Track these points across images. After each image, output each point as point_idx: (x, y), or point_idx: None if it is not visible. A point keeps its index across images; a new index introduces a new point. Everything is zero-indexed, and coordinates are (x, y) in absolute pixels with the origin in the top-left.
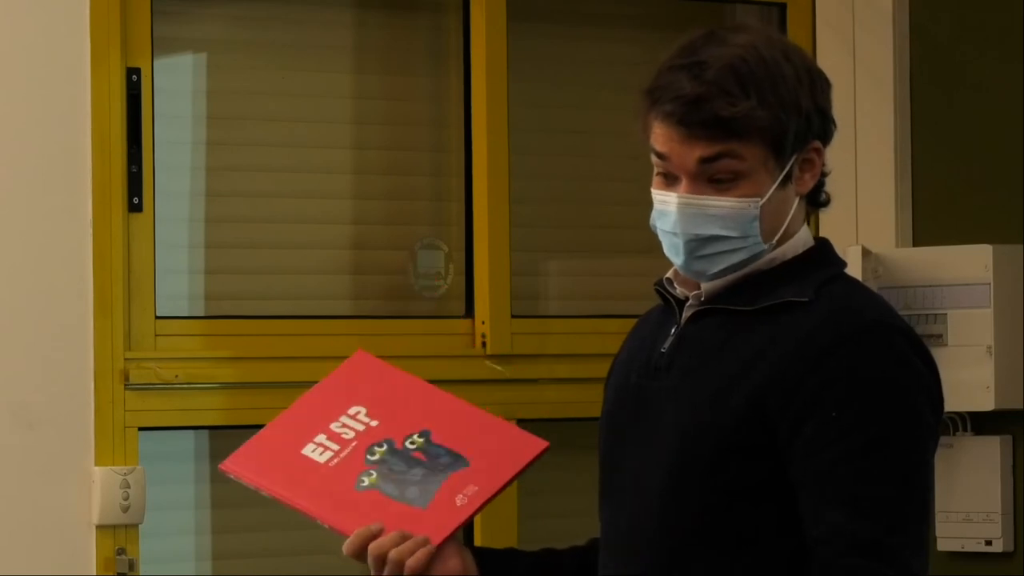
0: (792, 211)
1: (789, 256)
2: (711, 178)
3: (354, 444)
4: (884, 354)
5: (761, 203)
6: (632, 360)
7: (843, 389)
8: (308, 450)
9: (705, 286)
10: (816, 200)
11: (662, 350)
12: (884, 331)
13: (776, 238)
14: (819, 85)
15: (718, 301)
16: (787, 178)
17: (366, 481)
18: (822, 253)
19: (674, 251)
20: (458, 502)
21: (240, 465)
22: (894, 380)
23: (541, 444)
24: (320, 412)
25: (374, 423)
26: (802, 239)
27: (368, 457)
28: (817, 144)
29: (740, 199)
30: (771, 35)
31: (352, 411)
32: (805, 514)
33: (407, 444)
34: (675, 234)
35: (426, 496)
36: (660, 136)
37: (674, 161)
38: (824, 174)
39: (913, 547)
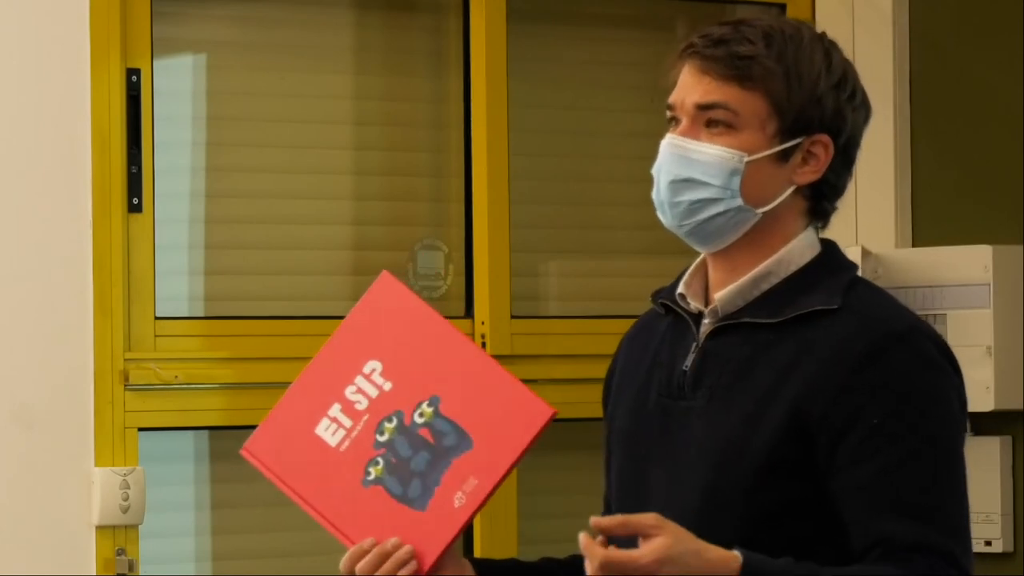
0: (784, 196)
1: (798, 262)
2: (708, 123)
3: (366, 418)
4: (920, 361)
5: (747, 159)
6: (646, 375)
7: (884, 397)
8: (322, 428)
9: (719, 298)
10: (818, 207)
11: (684, 368)
12: (917, 338)
13: (763, 209)
14: (850, 92)
15: (739, 316)
16: (786, 156)
17: (372, 474)
18: (833, 257)
19: (658, 201)
20: (456, 502)
21: (259, 450)
22: (931, 385)
23: (546, 412)
24: (340, 367)
25: (387, 386)
26: (808, 242)
27: (377, 438)
28: (826, 139)
29: (725, 148)
30: (825, 36)
31: (368, 368)
32: (852, 526)
33: (415, 417)
34: (658, 177)
35: (427, 494)
36: (680, 78)
37: (677, 101)
38: (831, 183)
39: (963, 547)
